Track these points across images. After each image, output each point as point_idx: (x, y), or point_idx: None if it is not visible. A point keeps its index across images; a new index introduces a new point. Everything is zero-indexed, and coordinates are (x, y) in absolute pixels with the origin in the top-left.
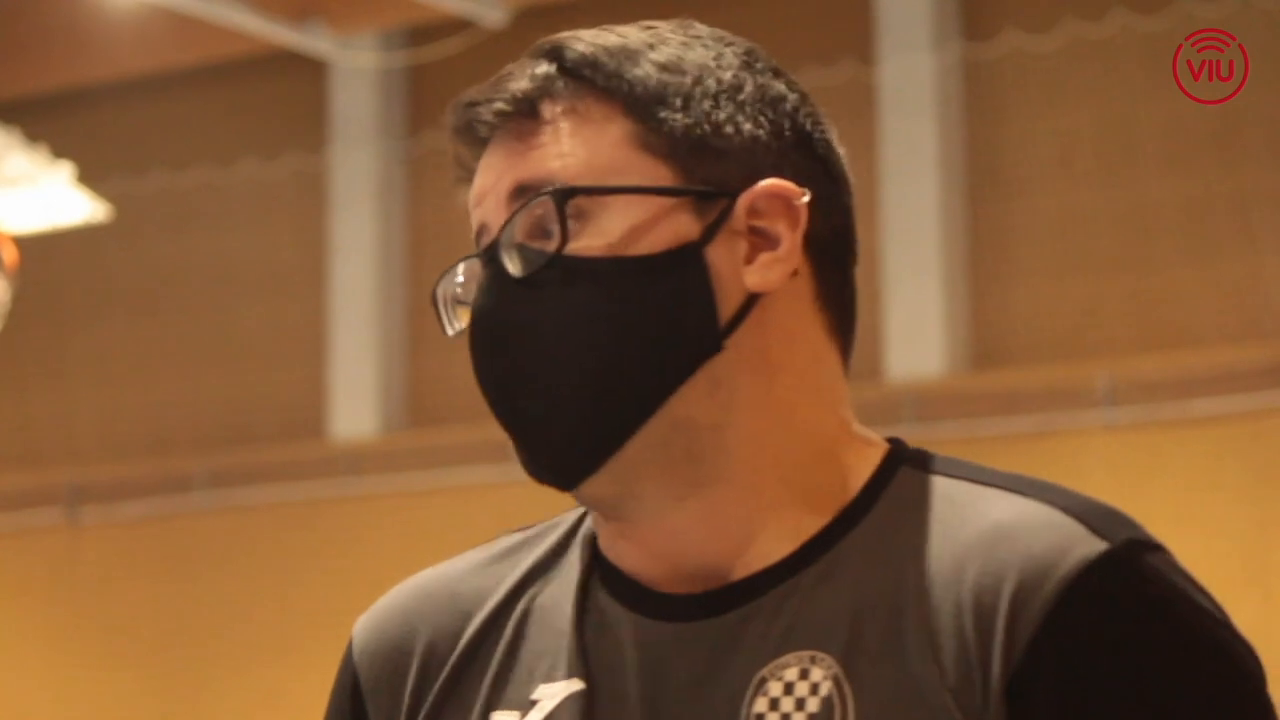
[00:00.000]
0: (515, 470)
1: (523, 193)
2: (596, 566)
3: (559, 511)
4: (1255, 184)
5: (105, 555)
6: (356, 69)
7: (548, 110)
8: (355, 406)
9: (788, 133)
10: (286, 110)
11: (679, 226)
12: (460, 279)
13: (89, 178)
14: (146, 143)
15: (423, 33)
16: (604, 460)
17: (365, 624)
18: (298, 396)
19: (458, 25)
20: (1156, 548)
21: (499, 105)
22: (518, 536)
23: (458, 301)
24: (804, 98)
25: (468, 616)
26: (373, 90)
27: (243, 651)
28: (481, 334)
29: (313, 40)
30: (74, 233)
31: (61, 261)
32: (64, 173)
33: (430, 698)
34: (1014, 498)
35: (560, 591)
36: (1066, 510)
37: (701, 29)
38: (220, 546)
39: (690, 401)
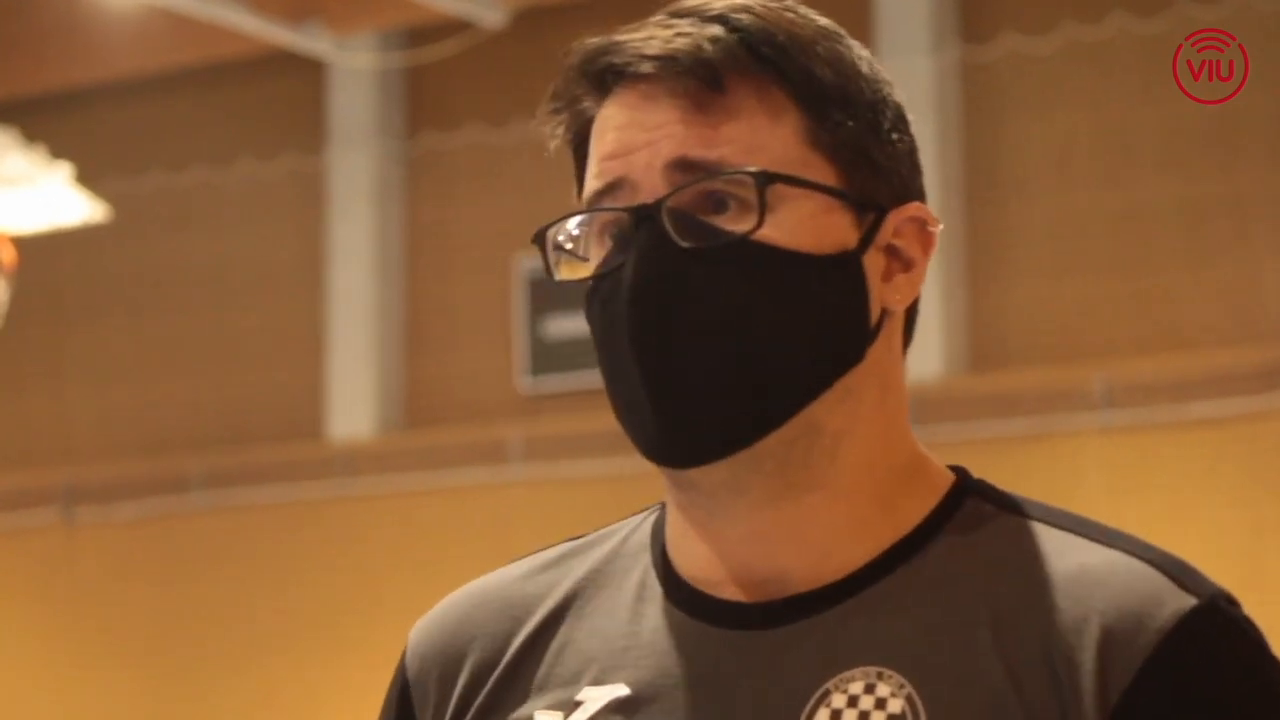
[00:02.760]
0: (511, 471)
1: (689, 167)
2: (656, 570)
3: (557, 514)
4: (1252, 187)
5: (101, 555)
6: (354, 70)
7: (730, 83)
8: (352, 407)
9: (916, 154)
10: (284, 111)
11: (841, 232)
12: (574, 229)
13: (87, 178)
14: (144, 143)
15: (421, 34)
16: (738, 449)
17: (419, 628)
18: (295, 397)
19: (456, 26)
20: (1234, 601)
21: (678, 62)
22: (575, 543)
23: (561, 249)
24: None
25: (519, 621)
26: (371, 91)
27: (240, 651)
28: (642, 296)
29: (311, 41)
30: (72, 233)
31: (59, 261)
32: (62, 173)
33: (479, 700)
34: (1093, 545)
35: (615, 596)
36: (1149, 561)
37: (829, 23)
38: (217, 547)
39: (826, 406)
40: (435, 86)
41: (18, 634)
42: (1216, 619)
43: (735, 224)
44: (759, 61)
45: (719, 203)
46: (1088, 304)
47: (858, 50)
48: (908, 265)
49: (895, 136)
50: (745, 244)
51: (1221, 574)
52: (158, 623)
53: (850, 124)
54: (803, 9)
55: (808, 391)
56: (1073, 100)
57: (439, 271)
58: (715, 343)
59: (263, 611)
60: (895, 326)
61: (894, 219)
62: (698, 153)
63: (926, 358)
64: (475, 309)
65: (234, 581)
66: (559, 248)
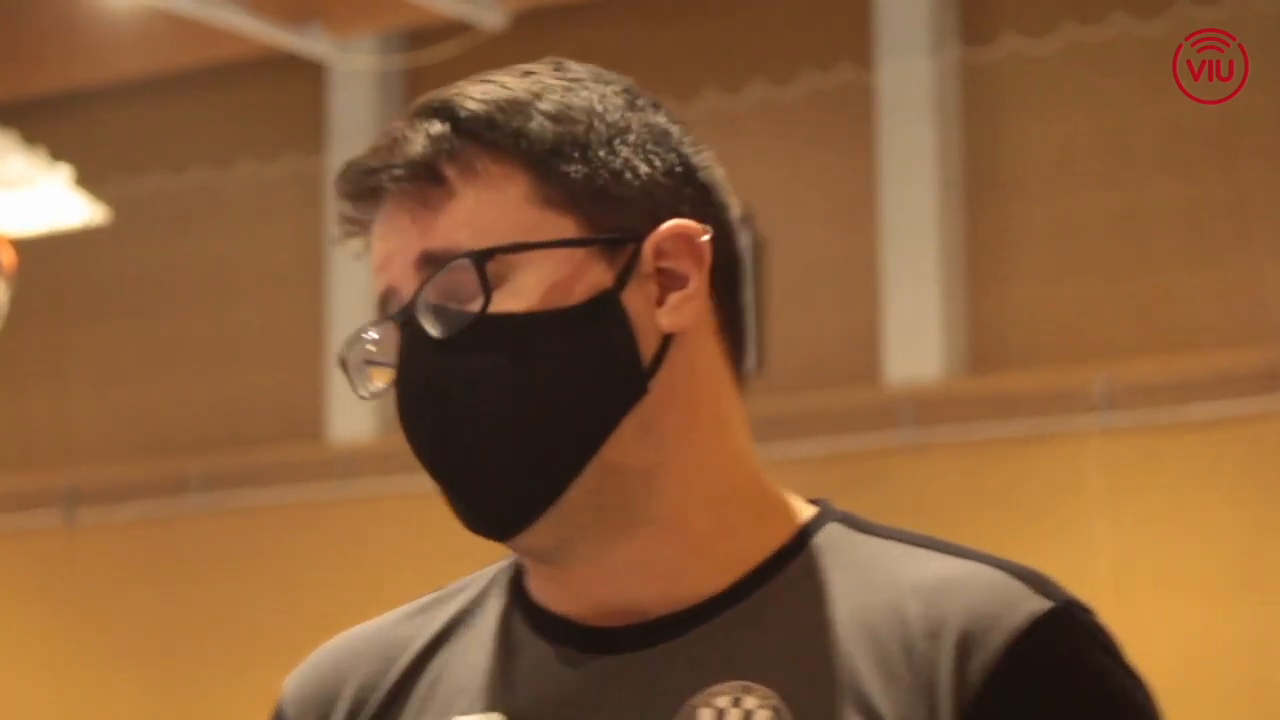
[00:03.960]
0: None
1: (431, 259)
2: (519, 605)
3: None
4: (1253, 187)
5: (102, 557)
6: (354, 71)
7: (448, 171)
8: (353, 408)
9: (678, 168)
10: (284, 112)
11: (592, 276)
12: (372, 339)
13: (87, 179)
14: (144, 145)
15: (421, 35)
16: (541, 512)
17: (294, 678)
18: (295, 398)
19: (456, 28)
20: (1089, 610)
21: (398, 171)
22: (441, 591)
23: (369, 363)
24: (683, 128)
25: (392, 662)
26: (371, 93)
27: (240, 653)
28: (409, 396)
29: (311, 42)
30: (72, 235)
31: (59, 263)
32: (62, 175)
33: None
34: (952, 558)
35: (483, 631)
36: (1007, 571)
37: (578, 69)
38: (218, 548)
39: (622, 447)
40: (435, 88)
41: (19, 635)
42: (1068, 621)
43: (474, 305)
44: (474, 142)
45: (464, 292)
46: (1088, 305)
47: (601, 90)
48: (682, 282)
49: (639, 163)
50: (484, 319)
51: (1222, 574)
52: (159, 624)
53: (580, 169)
54: (542, 66)
55: (590, 439)
56: (1073, 101)
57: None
58: (482, 421)
59: (264, 613)
60: (696, 346)
61: (652, 244)
62: (433, 245)
63: (926, 360)
64: None
65: (235, 583)
66: (370, 362)
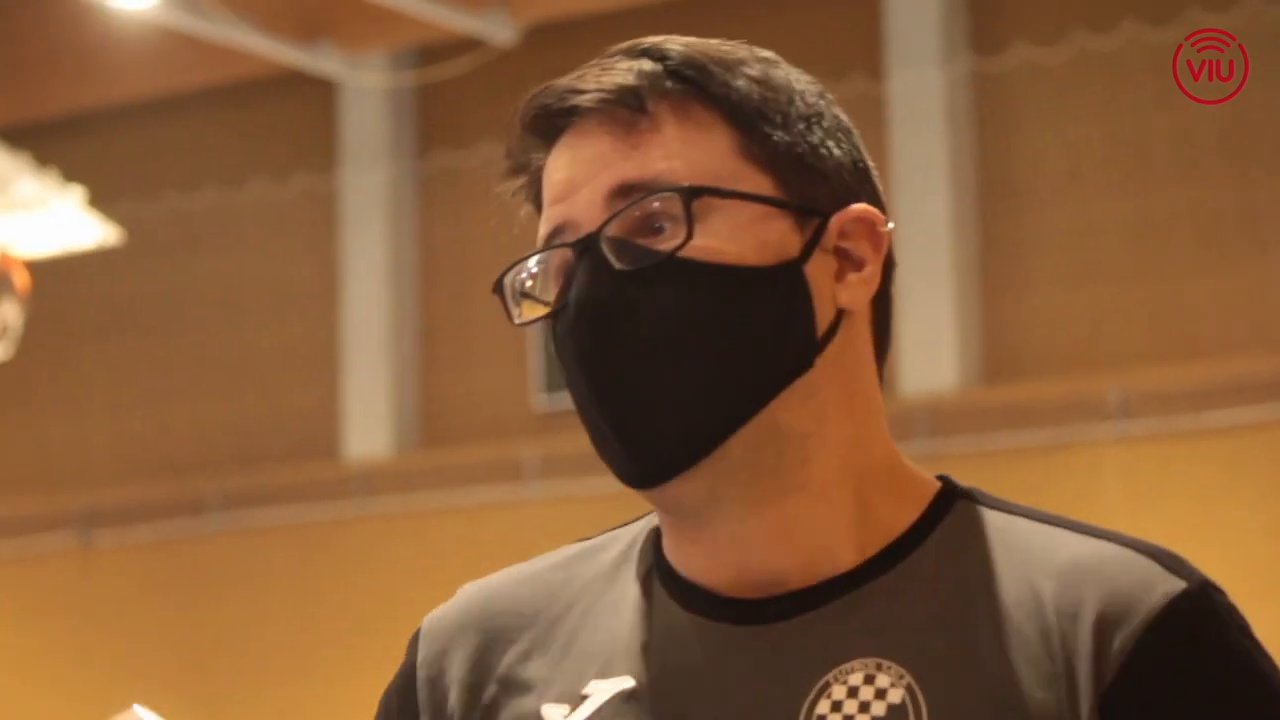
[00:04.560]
0: (528, 489)
1: (627, 191)
2: (658, 570)
3: (574, 531)
4: (1266, 194)
5: (119, 578)
6: (366, 89)
7: (655, 108)
8: (368, 427)
9: (860, 163)
10: (296, 131)
11: (782, 240)
12: (532, 271)
13: (99, 201)
14: (157, 165)
15: (432, 52)
16: (700, 459)
17: (430, 620)
18: (310, 417)
19: (467, 44)
20: (1221, 590)
21: (604, 94)
22: (583, 545)
23: (524, 295)
24: (858, 133)
25: (527, 618)
26: (382, 110)
27: (258, 672)
28: (585, 323)
29: (322, 61)
30: (85, 256)
31: (73, 285)
32: (74, 196)
33: (486, 694)
34: (1084, 537)
35: (620, 594)
36: (1139, 550)
37: (772, 54)
38: (234, 568)
39: (787, 409)
40: (447, 105)
41: (36, 656)
42: (1205, 602)
43: (669, 242)
44: (683, 84)
45: (656, 226)
46: (1102, 313)
47: (796, 74)
48: (859, 265)
49: (832, 145)
50: (675, 260)
51: (1242, 581)
52: (175, 644)
53: (782, 135)
54: (742, 43)
55: (759, 395)
56: (1085, 110)
57: (453, 290)
58: (656, 361)
59: (280, 632)
60: (858, 327)
61: (838, 222)
62: (633, 175)
63: (941, 370)
64: (490, 327)
65: (251, 603)
66: (522, 292)
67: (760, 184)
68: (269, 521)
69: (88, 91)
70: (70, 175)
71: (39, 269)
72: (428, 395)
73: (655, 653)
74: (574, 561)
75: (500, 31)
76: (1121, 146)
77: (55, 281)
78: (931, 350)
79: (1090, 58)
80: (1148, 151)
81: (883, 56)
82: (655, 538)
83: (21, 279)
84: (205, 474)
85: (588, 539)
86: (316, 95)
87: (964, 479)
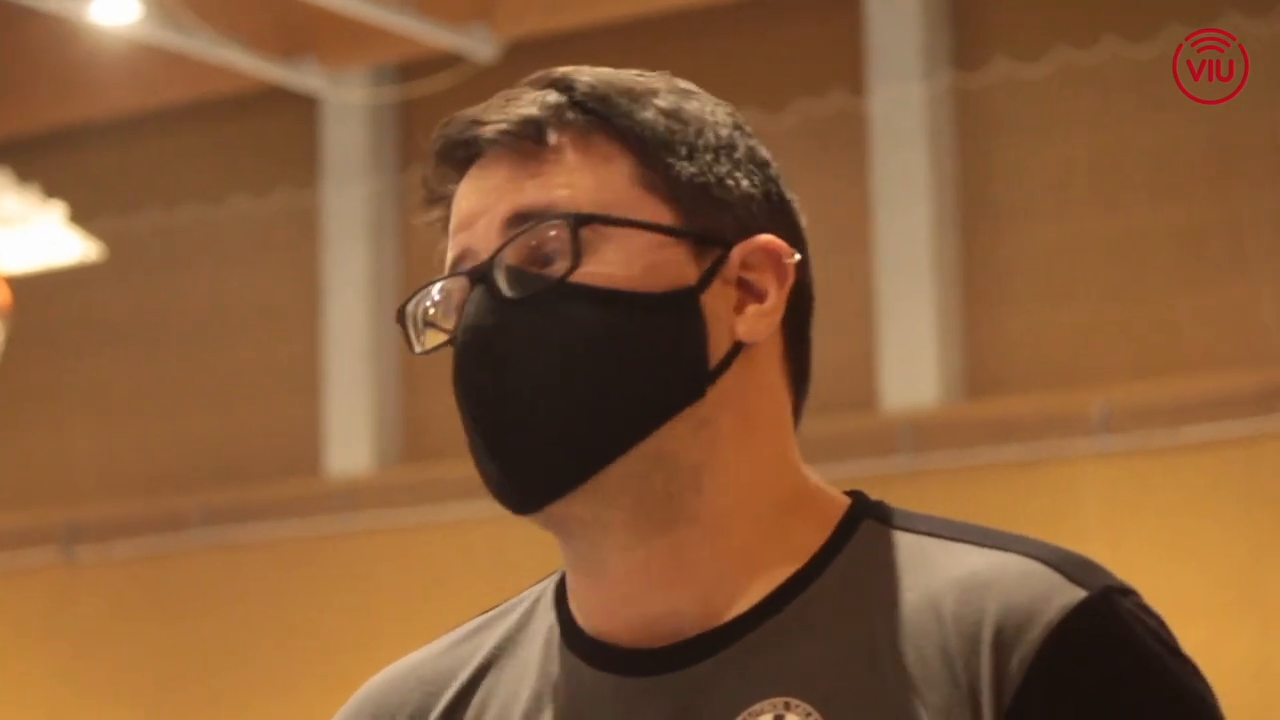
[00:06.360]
0: None
1: (522, 219)
2: (560, 627)
3: (553, 549)
4: (1249, 210)
5: (102, 594)
6: (347, 105)
7: (555, 138)
8: (350, 442)
9: (773, 195)
10: (278, 146)
11: (678, 269)
12: (434, 299)
13: (81, 217)
14: (138, 181)
15: (413, 68)
16: (582, 481)
17: (340, 716)
18: (292, 433)
19: (448, 60)
20: (1129, 592)
21: (505, 125)
22: (485, 616)
23: (428, 323)
24: (776, 165)
25: (436, 695)
26: (364, 126)
27: (241, 689)
28: (471, 349)
29: (303, 76)
30: (67, 272)
31: (55, 301)
32: (56, 212)
33: None
34: (985, 550)
35: (527, 657)
36: (1041, 559)
37: (691, 85)
38: (217, 584)
39: (675, 437)
40: (428, 121)
41: (19, 672)
42: (1105, 609)
43: (559, 270)
44: (587, 115)
45: (547, 254)
46: (1084, 329)
47: (713, 106)
48: (760, 296)
49: (741, 177)
50: (563, 287)
51: (1221, 597)
52: (159, 660)
53: (685, 166)
54: (663, 74)
55: (644, 421)
56: (1067, 125)
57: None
58: (536, 386)
59: (263, 648)
60: (761, 359)
61: (740, 252)
62: (527, 204)
63: (923, 385)
64: None
65: (234, 619)
66: (425, 320)
67: (659, 213)
68: (252, 537)
69: (69, 107)
70: (52, 191)
71: (21, 285)
72: (410, 410)
73: (562, 715)
74: (478, 632)
75: (482, 48)
76: (1103, 162)
77: (37, 297)
78: (913, 365)
79: (1072, 73)
80: (1129, 167)
81: (864, 72)
82: (559, 592)
83: (3, 296)
84: (188, 489)
85: (493, 608)
86: (298, 111)
87: (945, 494)
